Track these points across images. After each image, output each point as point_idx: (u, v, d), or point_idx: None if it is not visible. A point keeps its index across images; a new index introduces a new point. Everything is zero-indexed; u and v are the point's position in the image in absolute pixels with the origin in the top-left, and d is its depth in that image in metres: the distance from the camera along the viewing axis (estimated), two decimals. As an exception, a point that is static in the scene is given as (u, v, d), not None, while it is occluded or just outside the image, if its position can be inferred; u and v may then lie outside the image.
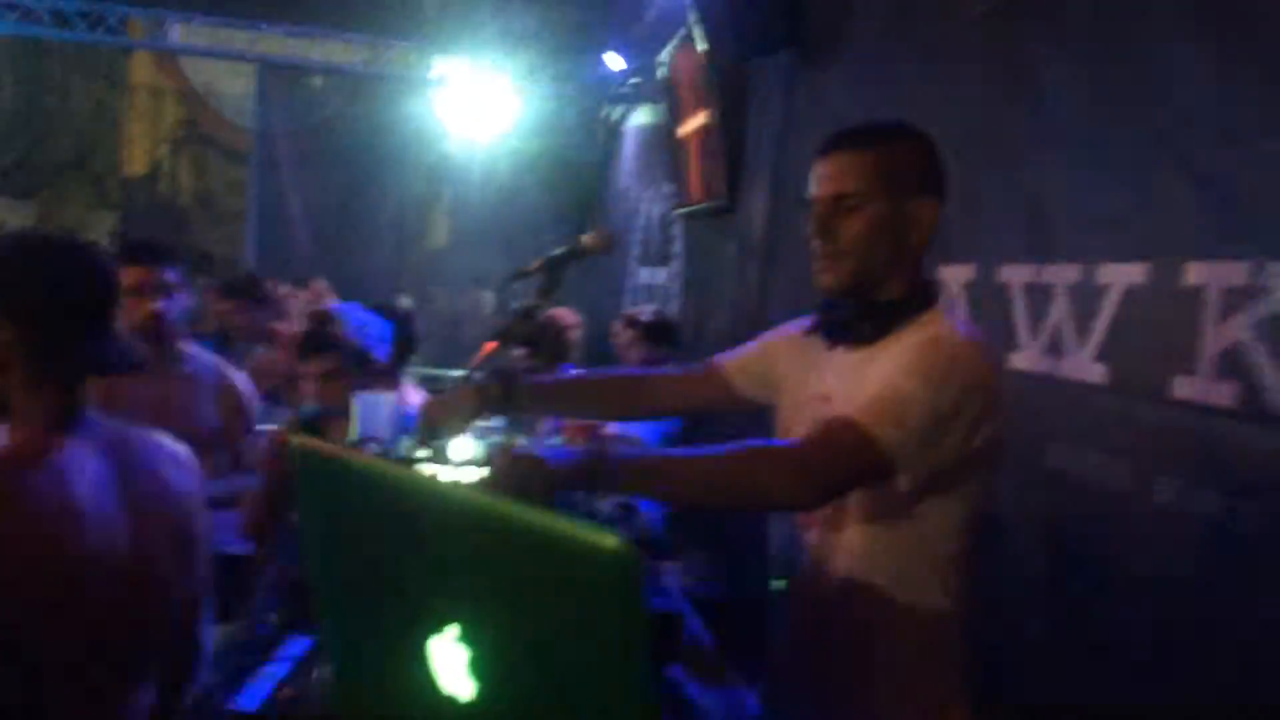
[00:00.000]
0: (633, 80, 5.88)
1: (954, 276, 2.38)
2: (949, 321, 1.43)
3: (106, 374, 1.38)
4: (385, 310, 2.99)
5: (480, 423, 1.71)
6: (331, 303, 4.70)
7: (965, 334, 1.39)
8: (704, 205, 4.43)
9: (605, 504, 2.00)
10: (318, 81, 7.99)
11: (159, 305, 2.45)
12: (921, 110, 2.47)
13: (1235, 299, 1.58)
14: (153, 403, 2.34)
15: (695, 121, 4.39)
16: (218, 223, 9.53)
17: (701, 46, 3.93)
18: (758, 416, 1.68)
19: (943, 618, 1.41)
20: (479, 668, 0.78)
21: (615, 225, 6.02)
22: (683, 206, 4.77)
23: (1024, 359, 2.10)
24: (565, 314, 4.16)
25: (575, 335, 4.15)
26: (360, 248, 8.05)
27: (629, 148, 6.31)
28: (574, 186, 6.90)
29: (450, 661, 0.80)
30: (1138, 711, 1.74)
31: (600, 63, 6.00)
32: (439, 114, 6.69)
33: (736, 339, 1.72)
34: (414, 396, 2.64)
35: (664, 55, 4.70)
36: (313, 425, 2.25)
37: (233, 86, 9.11)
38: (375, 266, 7.90)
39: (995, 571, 2.01)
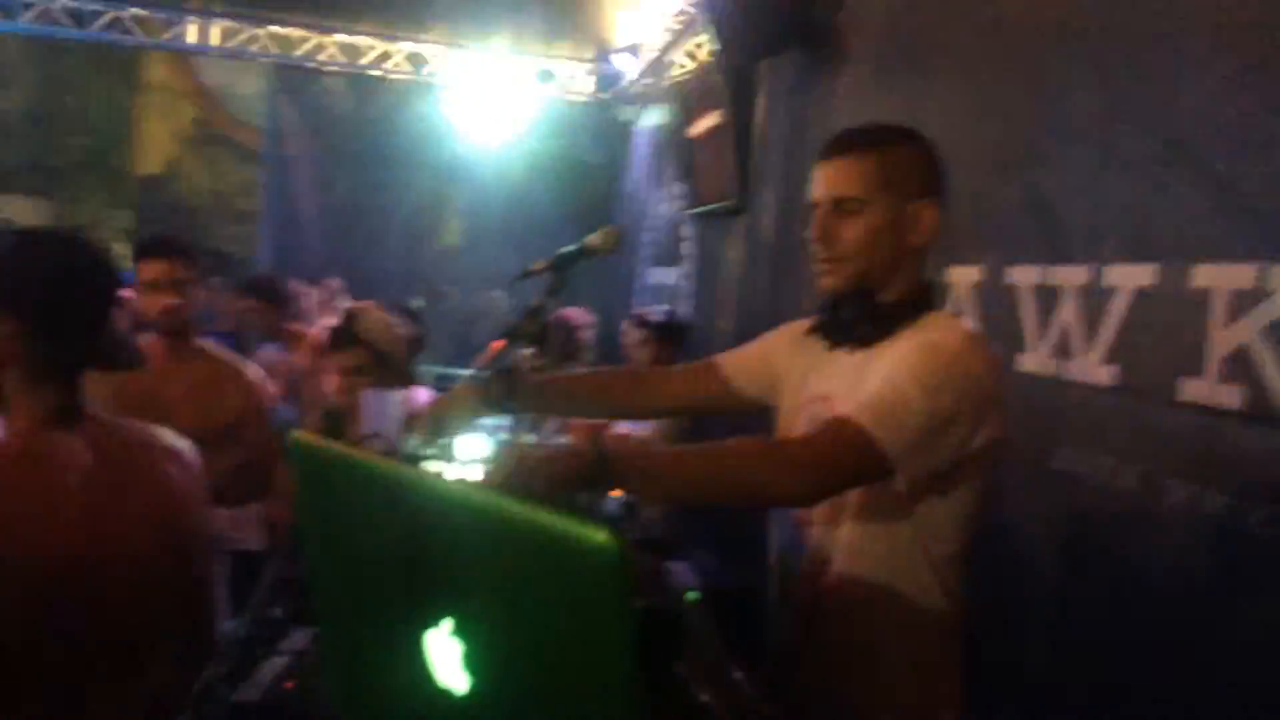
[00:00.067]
0: (644, 81, 5.89)
1: (962, 277, 2.38)
2: (950, 323, 1.43)
3: (106, 369, 1.38)
4: (396, 309, 3.02)
5: (488, 421, 1.72)
6: (346, 301, 4.73)
7: (966, 336, 1.39)
8: (715, 206, 4.44)
9: (608, 502, 2.00)
10: (330, 82, 8.01)
11: (177, 300, 2.47)
12: (931, 110, 2.48)
13: (1243, 302, 1.58)
14: (169, 396, 2.36)
15: (706, 122, 4.40)
16: (231, 222, 9.58)
17: (712, 47, 3.93)
18: (758, 417, 1.68)
19: (940, 617, 1.42)
20: (474, 660, 0.79)
21: (626, 226, 6.02)
22: (693, 207, 4.77)
23: (1032, 360, 2.10)
24: (577, 314, 4.16)
25: (587, 335, 4.15)
26: (373, 247, 8.06)
27: (640, 149, 6.32)
28: (585, 187, 6.91)
29: (446, 654, 0.81)
30: (1147, 712, 1.74)
31: (611, 64, 6.01)
32: (451, 115, 6.72)
33: (746, 340, 1.72)
34: (421, 396, 2.65)
35: (675, 56, 4.71)
36: (336, 421, 2.27)
37: (246, 86, 9.17)
38: (388, 266, 7.91)
39: (1003, 573, 2.01)
